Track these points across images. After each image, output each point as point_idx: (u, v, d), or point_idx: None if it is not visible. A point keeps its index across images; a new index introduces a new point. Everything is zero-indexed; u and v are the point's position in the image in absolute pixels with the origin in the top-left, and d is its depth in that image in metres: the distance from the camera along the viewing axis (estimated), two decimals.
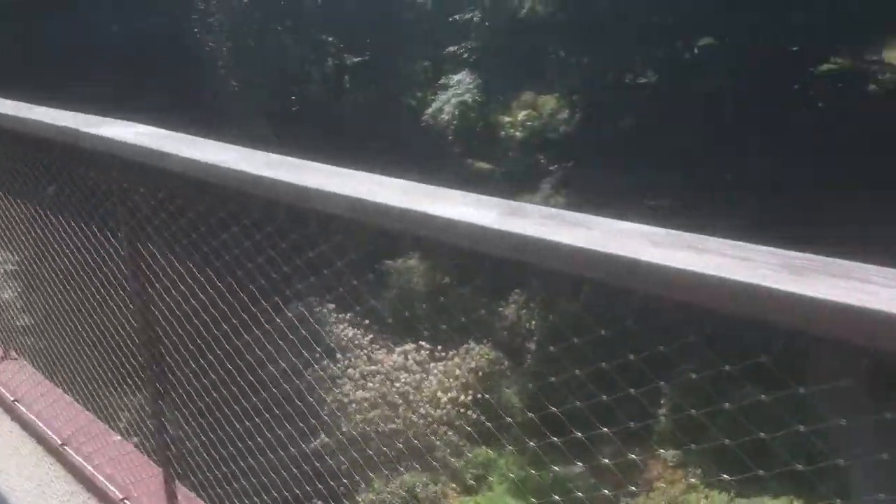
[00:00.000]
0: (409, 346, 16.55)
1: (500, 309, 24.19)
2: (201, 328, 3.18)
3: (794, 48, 23.12)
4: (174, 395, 3.20)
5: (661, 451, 16.54)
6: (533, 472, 18.14)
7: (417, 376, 15.98)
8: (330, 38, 29.63)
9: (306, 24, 29.11)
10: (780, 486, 13.38)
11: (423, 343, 16.70)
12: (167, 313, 3.03)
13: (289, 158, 1.91)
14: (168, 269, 2.89)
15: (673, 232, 1.34)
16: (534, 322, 23.46)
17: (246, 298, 3.14)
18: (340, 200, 1.67)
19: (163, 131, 2.21)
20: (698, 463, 15.41)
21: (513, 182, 29.60)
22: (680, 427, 16.45)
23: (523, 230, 1.37)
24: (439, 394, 15.79)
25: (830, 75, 23.53)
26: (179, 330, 3.11)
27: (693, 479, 15.17)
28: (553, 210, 1.46)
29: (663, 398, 16.81)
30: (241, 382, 3.59)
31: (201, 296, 3.03)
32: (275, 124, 24.86)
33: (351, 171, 1.81)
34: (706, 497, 12.26)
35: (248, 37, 27.41)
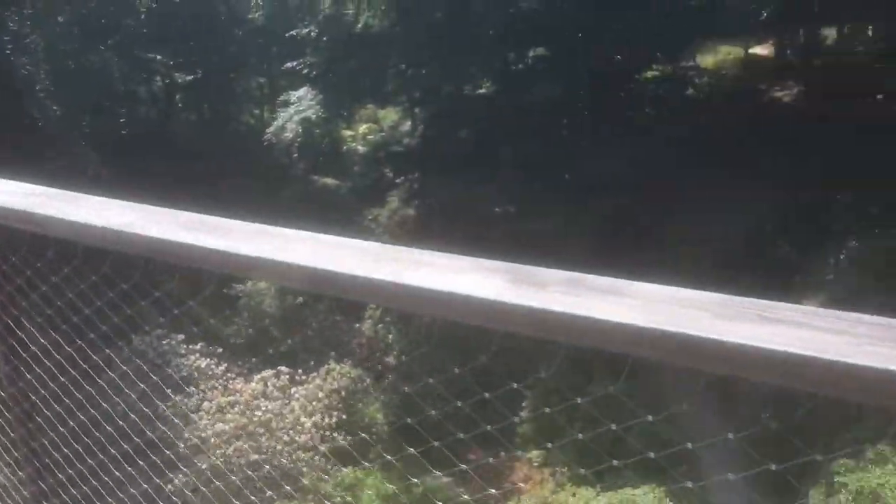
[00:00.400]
0: (268, 373, 16.02)
1: (357, 325, 23.97)
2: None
3: (618, 57, 24.40)
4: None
5: (525, 452, 16.87)
6: (398, 489, 18.06)
7: (279, 403, 15.47)
8: (158, 57, 28.39)
9: (130, 42, 27.75)
10: (640, 477, 13.93)
11: (282, 368, 16.21)
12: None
13: (206, 218, 1.62)
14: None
15: (730, 298, 1.13)
16: (391, 336, 23.41)
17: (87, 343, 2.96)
18: (297, 272, 1.40)
19: (32, 187, 1.86)
20: (562, 461, 15.84)
21: (359, 196, 29.47)
22: (541, 428, 16.87)
23: (547, 304, 1.14)
24: (303, 419, 15.36)
25: (654, 81, 24.99)
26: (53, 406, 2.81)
27: (561, 478, 15.56)
28: (570, 274, 1.22)
29: (525, 400, 17.16)
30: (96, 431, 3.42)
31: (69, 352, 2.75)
32: (102, 147, 23.50)
33: (289, 230, 1.53)
34: (573, 495, 12.56)
35: (68, 57, 25.78)
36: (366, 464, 18.30)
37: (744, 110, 23.03)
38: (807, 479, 11.82)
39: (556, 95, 22.79)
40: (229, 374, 16.82)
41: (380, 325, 23.62)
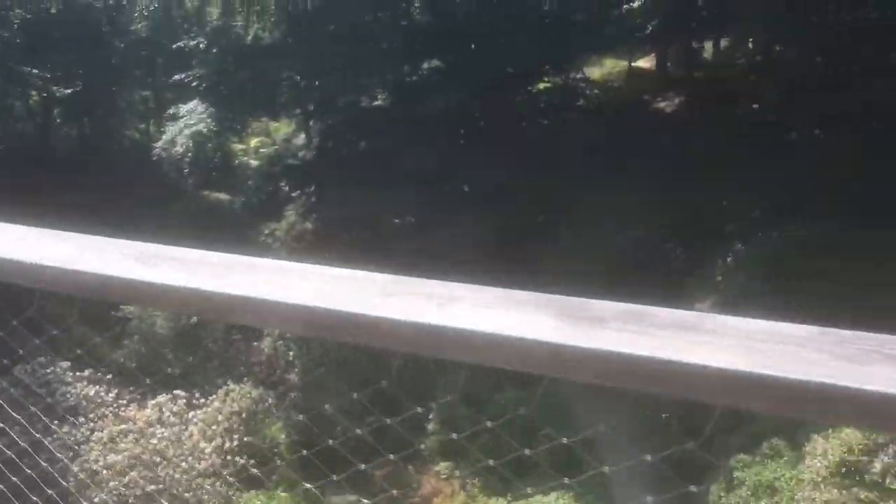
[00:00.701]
0: (164, 398, 15.36)
1: (256, 343, 23.32)
2: None
3: (510, 69, 24.83)
4: None
5: (433, 465, 16.79)
6: None
7: (176, 429, 14.84)
8: (34, 70, 27.00)
9: (3, 55, 26.30)
10: (549, 482, 14.05)
11: (178, 392, 15.57)
12: None
13: (164, 249, 1.34)
14: None
15: (841, 333, 0.97)
16: (292, 353, 22.89)
17: None
18: (301, 314, 1.15)
19: None
20: (470, 472, 15.82)
21: (253, 211, 28.81)
22: (448, 440, 16.82)
23: (614, 346, 0.94)
24: (202, 444, 14.79)
25: (546, 92, 25.52)
26: None
27: (471, 489, 15.55)
28: (628, 307, 1.02)
29: (431, 413, 17.09)
30: None
31: None
32: None
33: (280, 262, 1.29)
34: None
35: None
36: (266, 484, 17.84)
37: (631, 120, 23.78)
38: (707, 477, 12.19)
39: (452, 107, 22.93)
40: (121, 401, 16.05)
41: (279, 343, 23.06)
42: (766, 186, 17.79)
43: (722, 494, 11.62)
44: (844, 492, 10.14)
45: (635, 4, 21.90)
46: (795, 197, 16.75)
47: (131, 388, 18.90)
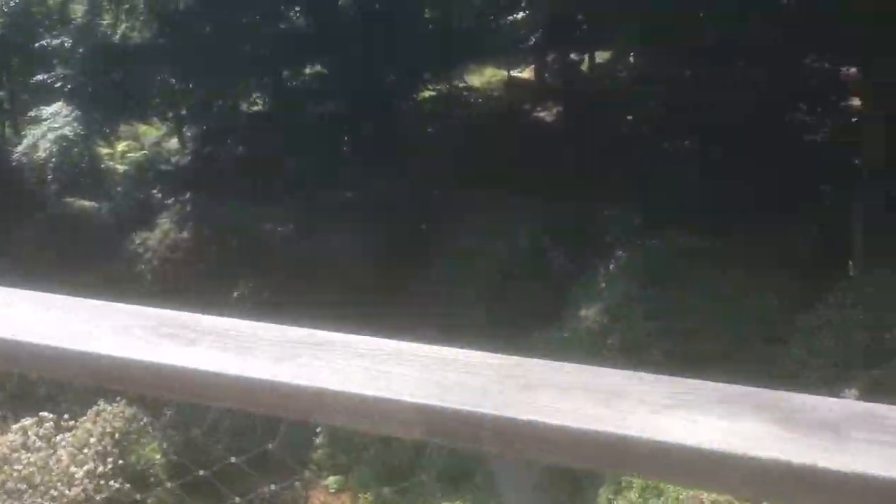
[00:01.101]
0: (28, 421, 14.29)
1: None
2: None
3: (392, 77, 24.77)
4: None
5: (322, 479, 16.41)
6: None
7: (43, 454, 13.83)
8: None
9: None
10: (444, 490, 13.99)
11: (44, 414, 14.53)
12: None
13: (184, 316, 1.04)
14: None
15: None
16: None
17: None
18: (401, 412, 0.88)
19: None
20: (361, 484, 15.53)
21: (123, 219, 27.43)
22: (336, 453, 16.50)
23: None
24: (72, 469, 13.85)
25: (431, 101, 25.59)
26: None
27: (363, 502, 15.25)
28: (853, 404, 0.79)
29: (318, 426, 16.67)
30: None
31: None
32: None
33: (338, 335, 0.96)
34: None
35: None
36: None
37: (512, 129, 24.17)
38: (597, 480, 12.41)
39: (334, 113, 22.60)
40: None
41: None
42: (644, 196, 18.43)
43: (611, 497, 11.86)
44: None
45: (519, 16, 22.28)
46: (673, 206, 17.42)
47: None
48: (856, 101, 19.18)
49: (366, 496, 14.32)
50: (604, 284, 14.68)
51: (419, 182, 21.09)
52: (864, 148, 16.23)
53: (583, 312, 14.13)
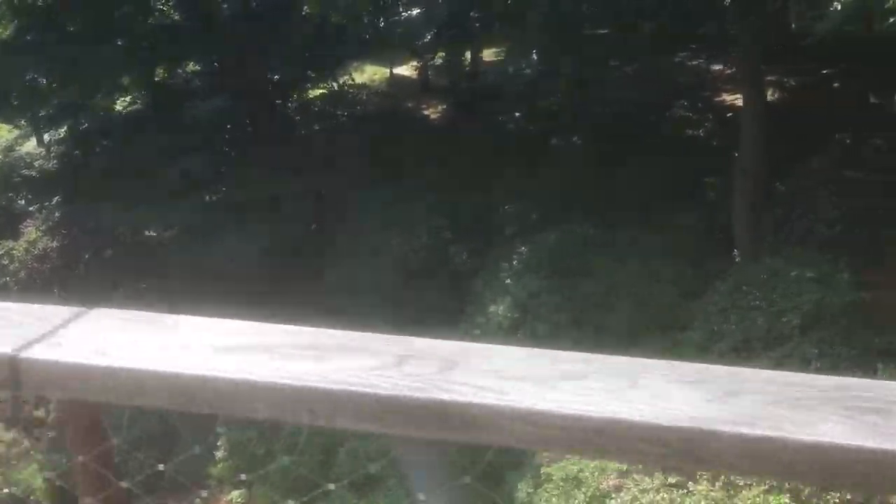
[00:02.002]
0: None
1: None
2: None
3: (276, 76, 24.20)
4: None
5: (223, 494, 15.72)
6: None
7: None
8: None
9: None
10: (355, 496, 13.70)
11: None
12: None
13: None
14: None
15: None
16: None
17: None
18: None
19: None
20: (268, 495, 14.98)
21: None
22: (239, 465, 15.84)
23: None
24: None
25: (319, 98, 25.12)
26: None
27: None
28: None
29: (220, 439, 15.99)
30: None
31: None
32: None
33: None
34: None
35: None
36: None
37: (402, 127, 24.05)
38: (516, 475, 12.46)
39: (216, 112, 21.76)
40: None
41: None
42: (536, 190, 18.73)
43: (530, 491, 11.93)
44: (648, 478, 10.75)
45: (414, 13, 22.17)
46: (567, 200, 17.78)
47: None
48: (733, 98, 20.24)
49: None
50: (509, 280, 14.77)
51: (311, 181, 20.63)
52: (742, 143, 17.08)
53: (491, 308, 14.17)
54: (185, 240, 21.45)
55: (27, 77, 20.65)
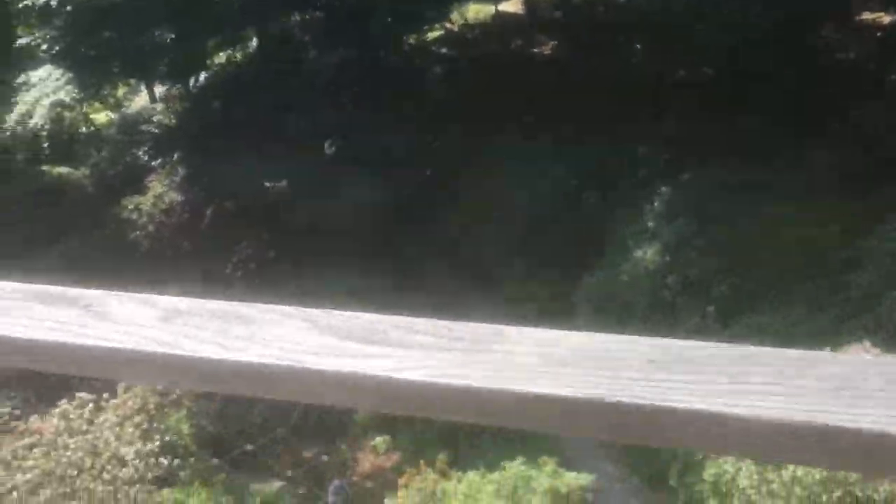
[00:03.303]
0: (69, 405, 13.61)
1: None
2: None
3: (389, 19, 23.77)
4: None
5: (368, 440, 16.01)
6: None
7: (90, 436, 13.21)
8: None
9: None
10: (500, 450, 13.59)
11: (82, 395, 13.85)
12: None
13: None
14: None
15: None
16: None
17: None
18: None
19: None
20: (409, 445, 15.12)
21: (108, 185, 26.30)
22: (383, 413, 16.04)
23: None
24: (122, 450, 13.28)
25: (436, 42, 24.73)
26: None
27: (408, 459, 14.85)
28: None
29: None
30: None
31: None
32: None
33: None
34: (459, 480, 12.01)
35: None
36: (189, 483, 16.44)
37: (514, 68, 23.45)
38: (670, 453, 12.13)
39: (332, 62, 21.64)
40: (16, 412, 14.12)
41: None
42: (664, 132, 18.02)
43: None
44: None
45: None
46: (697, 140, 17.03)
47: (12, 394, 16.86)
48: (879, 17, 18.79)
49: (420, 457, 13.84)
50: (651, 223, 14.31)
51: (431, 131, 20.39)
52: None
53: (637, 253, 13.78)
54: (306, 193, 21.60)
55: (151, 36, 20.91)
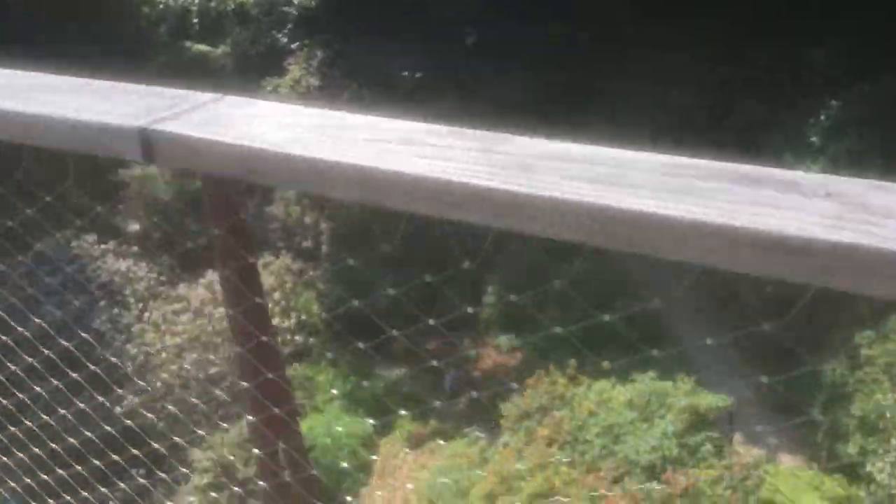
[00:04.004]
0: (215, 276, 14.19)
1: (268, 208, 21.82)
2: None
3: None
4: None
5: (492, 338, 16.08)
6: (352, 384, 16.95)
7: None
8: None
9: None
10: (625, 362, 13.38)
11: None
12: None
13: None
14: None
15: None
16: (308, 218, 21.60)
17: None
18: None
19: None
20: (532, 346, 15.07)
21: (248, 65, 26.64)
22: (508, 312, 16.02)
23: None
24: None
25: None
26: None
27: (534, 362, 14.86)
28: None
29: (489, 286, 16.20)
30: None
31: None
32: None
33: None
34: (589, 387, 11.92)
35: None
36: (317, 360, 17.07)
37: None
38: (823, 354, 11.61)
39: None
40: (161, 278, 14.87)
41: (294, 207, 21.59)
42: (842, 36, 16.52)
43: (845, 373, 11.00)
44: None
45: None
46: (864, 52, 15.54)
47: (158, 261, 17.71)
48: None
49: (545, 357, 13.77)
50: (815, 138, 13.32)
51: (583, 29, 19.45)
52: None
53: (799, 171, 12.86)
54: (442, 84, 21.21)
55: None
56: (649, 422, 10.27)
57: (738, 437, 11.51)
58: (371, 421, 14.75)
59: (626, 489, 9.26)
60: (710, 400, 10.31)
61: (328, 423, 15.25)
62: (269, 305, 14.15)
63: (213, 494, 12.61)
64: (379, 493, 14.44)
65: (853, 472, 10.77)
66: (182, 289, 14.58)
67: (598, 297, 14.70)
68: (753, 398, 12.55)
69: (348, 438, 14.79)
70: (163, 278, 15.18)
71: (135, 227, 18.76)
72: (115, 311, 13.34)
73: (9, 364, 3.08)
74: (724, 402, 10.41)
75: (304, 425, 16.29)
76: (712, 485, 8.98)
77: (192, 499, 12.12)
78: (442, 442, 14.13)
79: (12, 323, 3.19)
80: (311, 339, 15.11)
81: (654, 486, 9.07)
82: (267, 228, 21.02)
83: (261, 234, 20.83)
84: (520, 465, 10.24)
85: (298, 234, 20.97)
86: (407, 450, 14.88)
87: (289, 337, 14.21)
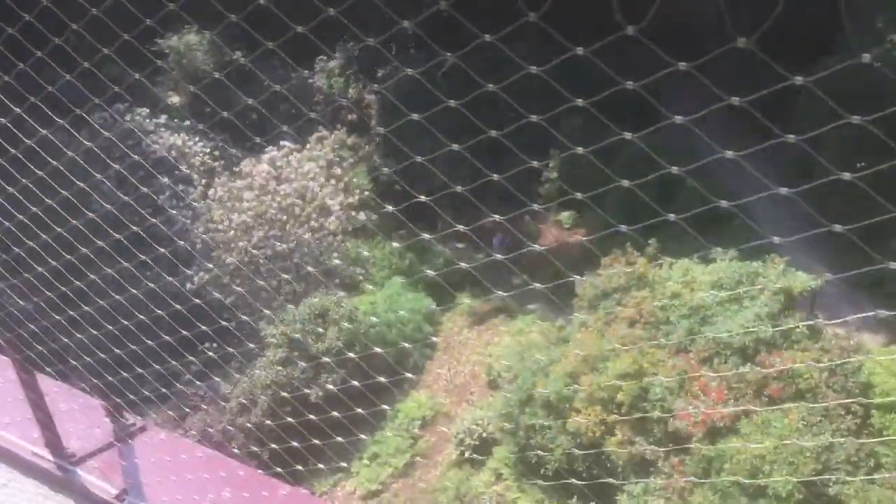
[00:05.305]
0: (276, 152, 13.84)
1: (312, 81, 21.03)
2: None
3: None
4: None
5: (552, 212, 15.75)
6: (413, 259, 16.74)
7: (296, 185, 13.53)
8: None
9: None
10: (693, 236, 12.96)
11: (285, 143, 14.02)
12: None
13: None
14: None
15: None
16: (352, 90, 20.84)
17: None
18: None
19: None
20: (594, 223, 14.69)
21: None
22: (570, 186, 15.59)
23: None
24: (328, 201, 13.58)
25: None
26: None
27: (602, 242, 14.50)
28: None
29: (550, 160, 15.65)
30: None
31: None
32: None
33: None
34: (671, 266, 11.65)
35: None
36: (372, 237, 16.82)
37: None
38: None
39: None
40: (215, 153, 14.49)
41: (338, 79, 20.79)
42: None
43: None
44: None
45: None
46: None
47: (211, 137, 17.31)
48: None
49: (608, 235, 13.38)
50: None
51: None
52: None
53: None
54: None
55: None
56: (739, 303, 10.06)
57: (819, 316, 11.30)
58: (432, 301, 14.58)
59: (716, 371, 9.16)
60: (803, 280, 10.06)
61: (389, 298, 15.20)
62: (333, 182, 13.80)
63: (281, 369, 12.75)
64: (439, 370, 14.48)
65: None
66: (246, 164, 14.22)
67: (664, 176, 14.19)
68: (836, 279, 12.25)
69: (411, 314, 14.75)
70: (216, 153, 14.82)
71: (174, 99, 18.13)
72: (180, 187, 13.10)
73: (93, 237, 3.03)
74: (815, 282, 10.15)
75: (366, 300, 16.30)
76: (808, 368, 8.85)
77: (264, 372, 12.22)
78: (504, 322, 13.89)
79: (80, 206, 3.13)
80: (374, 216, 14.86)
81: (747, 369, 8.95)
82: (311, 101, 20.36)
83: (306, 107, 20.17)
84: (607, 345, 10.13)
85: (344, 109, 20.31)
86: (468, 328, 14.82)
87: (352, 213, 13.97)
